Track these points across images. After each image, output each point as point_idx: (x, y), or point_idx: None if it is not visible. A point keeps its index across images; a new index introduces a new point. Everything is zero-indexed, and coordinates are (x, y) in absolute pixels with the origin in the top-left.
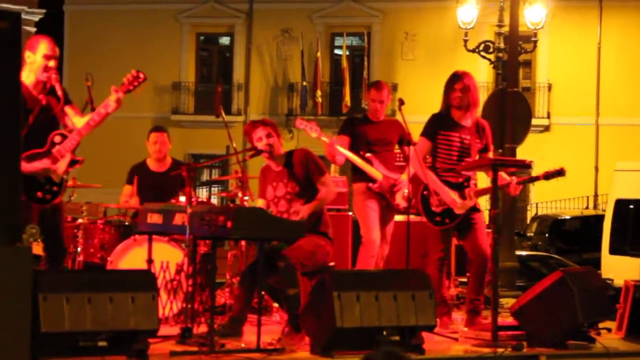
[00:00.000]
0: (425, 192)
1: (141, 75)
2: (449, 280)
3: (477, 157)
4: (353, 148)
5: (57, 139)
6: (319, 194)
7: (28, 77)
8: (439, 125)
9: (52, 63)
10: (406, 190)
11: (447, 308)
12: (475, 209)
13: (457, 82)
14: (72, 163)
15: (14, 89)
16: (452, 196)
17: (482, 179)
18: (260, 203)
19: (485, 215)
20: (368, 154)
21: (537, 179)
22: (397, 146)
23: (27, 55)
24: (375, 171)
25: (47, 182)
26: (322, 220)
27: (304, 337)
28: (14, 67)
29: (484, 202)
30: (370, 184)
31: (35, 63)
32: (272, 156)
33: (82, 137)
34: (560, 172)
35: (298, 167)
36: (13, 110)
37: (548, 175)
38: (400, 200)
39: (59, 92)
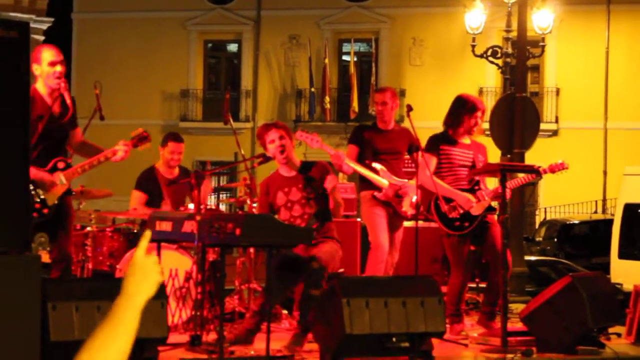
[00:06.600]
0: (438, 202)
1: (148, 137)
2: None
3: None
4: (361, 157)
5: (61, 165)
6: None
7: (42, 87)
8: (440, 142)
9: (59, 68)
10: (415, 197)
11: (459, 316)
12: (491, 208)
13: (478, 108)
14: (68, 192)
15: (22, 97)
16: (466, 196)
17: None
18: None
19: None
20: (374, 163)
21: (543, 172)
22: (406, 153)
23: (35, 68)
24: (381, 180)
25: (41, 202)
26: (330, 227)
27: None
28: (23, 75)
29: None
30: (376, 193)
31: (43, 73)
32: (286, 160)
33: (84, 172)
34: (562, 165)
35: (316, 176)
36: (22, 119)
37: (553, 169)
38: (407, 208)
39: (68, 101)
